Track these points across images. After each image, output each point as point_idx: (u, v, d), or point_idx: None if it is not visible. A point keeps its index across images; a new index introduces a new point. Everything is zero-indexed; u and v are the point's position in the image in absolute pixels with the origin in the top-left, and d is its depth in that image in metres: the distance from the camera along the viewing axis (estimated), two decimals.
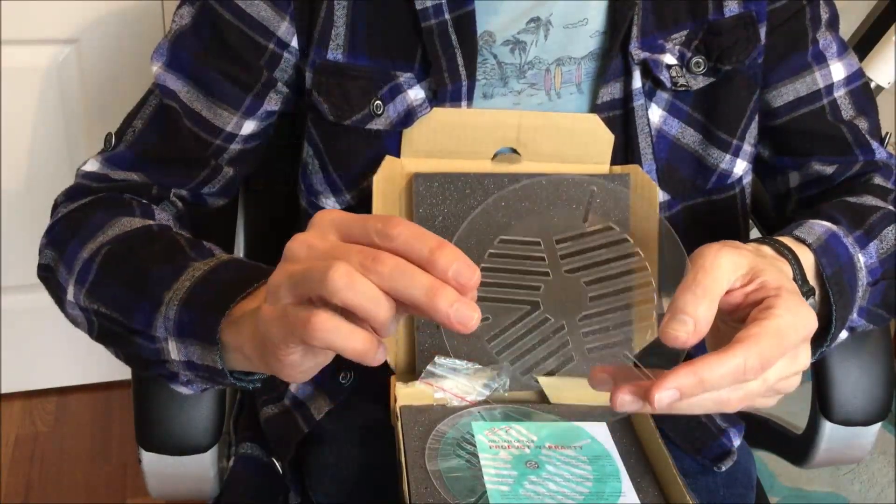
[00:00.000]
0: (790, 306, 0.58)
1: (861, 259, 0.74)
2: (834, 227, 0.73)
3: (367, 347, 0.50)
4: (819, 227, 0.73)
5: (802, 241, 0.71)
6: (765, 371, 0.56)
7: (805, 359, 0.59)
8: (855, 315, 0.75)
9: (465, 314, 0.48)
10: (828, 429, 0.88)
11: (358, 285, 0.48)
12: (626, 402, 0.56)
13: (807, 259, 0.69)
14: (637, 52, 0.77)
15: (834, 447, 0.89)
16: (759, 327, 0.56)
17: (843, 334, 0.75)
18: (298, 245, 0.52)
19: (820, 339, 0.71)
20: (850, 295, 0.72)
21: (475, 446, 0.71)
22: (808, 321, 0.58)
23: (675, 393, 0.54)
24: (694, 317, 0.56)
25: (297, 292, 0.51)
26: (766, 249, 0.67)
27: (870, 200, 0.79)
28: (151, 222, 0.75)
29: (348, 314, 0.50)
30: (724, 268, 0.58)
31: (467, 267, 0.49)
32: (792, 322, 0.57)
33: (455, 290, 0.48)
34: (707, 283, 0.57)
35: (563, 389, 0.76)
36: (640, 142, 0.78)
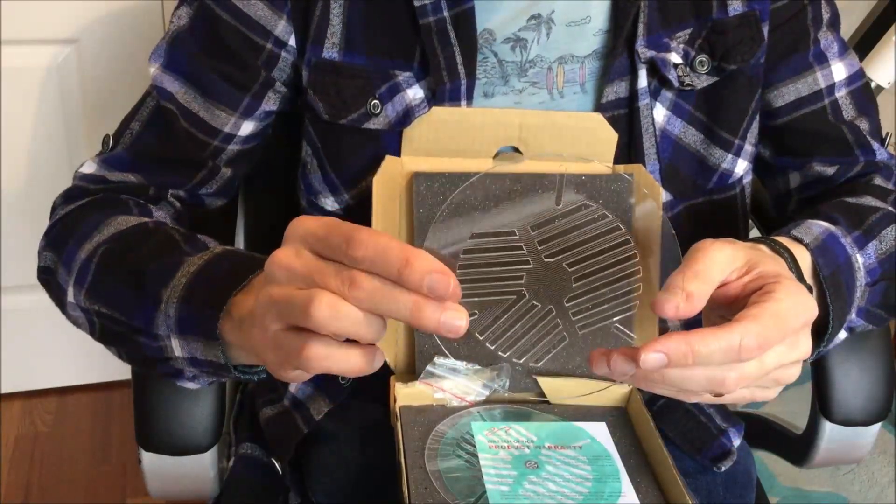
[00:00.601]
0: (790, 291, 0.57)
1: (860, 259, 0.73)
2: (832, 228, 0.73)
3: (364, 364, 0.51)
4: (817, 227, 0.73)
5: (799, 241, 0.71)
6: (762, 352, 0.55)
7: (805, 347, 0.58)
8: (854, 315, 0.75)
9: (452, 323, 0.49)
10: (828, 429, 0.88)
11: (342, 313, 0.49)
12: (620, 364, 0.55)
13: (804, 259, 0.69)
14: (644, 51, 0.76)
15: (834, 447, 0.89)
16: (759, 308, 0.56)
17: (842, 334, 0.75)
18: (276, 267, 0.52)
19: (818, 340, 0.71)
20: (848, 295, 0.72)
21: (475, 446, 0.70)
22: (808, 306, 0.58)
23: (663, 357, 0.54)
24: (686, 290, 0.56)
25: (285, 319, 0.51)
26: (763, 247, 0.67)
27: (869, 201, 0.79)
28: (147, 219, 0.75)
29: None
30: (720, 257, 0.58)
31: (441, 278, 0.48)
32: (792, 306, 0.57)
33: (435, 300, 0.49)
34: (700, 266, 0.57)
35: (563, 389, 0.76)
36: (645, 141, 0.78)
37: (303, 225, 0.52)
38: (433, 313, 0.48)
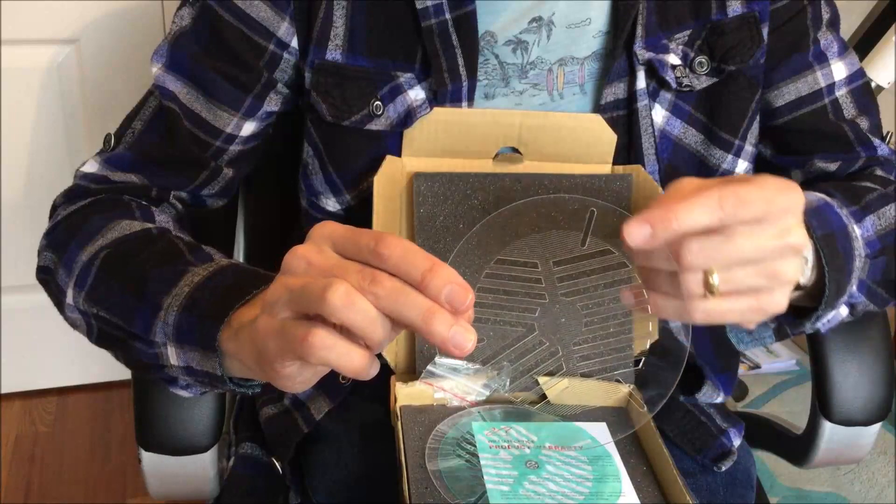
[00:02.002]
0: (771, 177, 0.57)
1: (857, 230, 0.73)
2: (827, 198, 0.73)
3: (363, 365, 0.51)
4: (812, 195, 0.72)
5: None
6: (743, 207, 0.54)
7: (798, 236, 0.57)
8: (854, 289, 0.74)
9: (460, 340, 0.49)
10: (828, 429, 0.88)
11: (356, 305, 0.49)
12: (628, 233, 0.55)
13: None
14: (642, 52, 0.77)
15: (834, 447, 0.89)
16: (737, 178, 0.55)
17: (844, 310, 0.75)
18: (297, 259, 0.52)
19: (815, 308, 0.70)
20: (847, 262, 0.70)
21: (475, 446, 0.71)
22: (792, 191, 0.57)
23: (646, 226, 0.54)
24: (649, 220, 0.55)
25: (294, 307, 0.51)
26: None
27: (868, 184, 0.79)
28: (151, 225, 0.75)
29: (344, 330, 0.50)
30: (688, 185, 0.57)
31: (460, 290, 0.49)
32: (774, 183, 0.56)
33: (450, 312, 0.49)
34: (668, 194, 0.57)
35: (564, 390, 0.76)
36: (644, 142, 0.78)
37: (329, 226, 0.52)
38: (444, 323, 0.48)
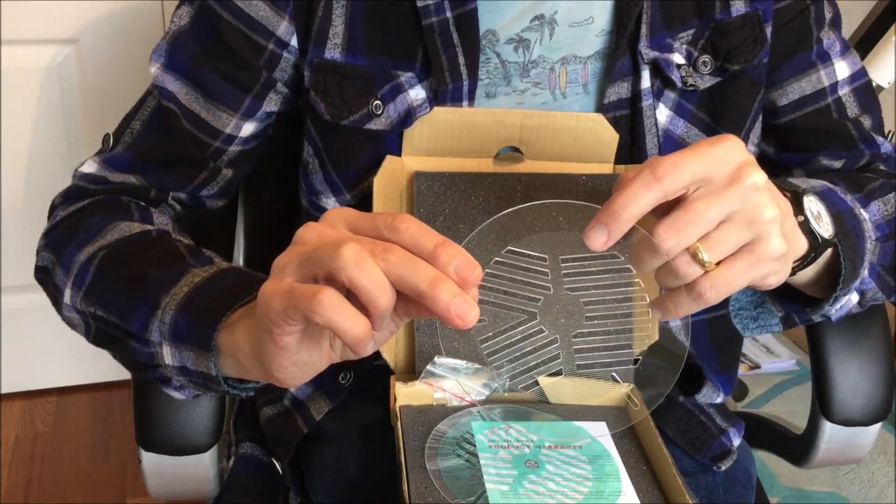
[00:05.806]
0: None
1: (864, 213, 0.73)
2: (831, 185, 0.73)
3: (364, 334, 0.50)
4: (816, 182, 0.72)
5: (797, 186, 0.69)
6: (677, 170, 0.55)
7: (754, 175, 0.57)
8: (866, 273, 0.74)
9: (463, 308, 0.49)
10: (828, 429, 0.88)
11: (366, 265, 0.49)
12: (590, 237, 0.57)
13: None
14: (647, 52, 0.76)
15: (834, 447, 0.89)
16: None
17: (854, 298, 0.75)
18: (310, 231, 0.52)
19: (832, 289, 0.70)
20: (858, 243, 0.70)
21: (475, 446, 0.71)
22: (723, 138, 0.57)
23: (600, 226, 0.55)
24: (601, 220, 0.56)
25: (303, 270, 0.51)
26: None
27: (870, 174, 0.80)
28: (150, 227, 0.75)
29: (351, 297, 0.50)
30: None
31: (469, 264, 0.50)
32: (705, 140, 0.57)
33: (457, 284, 0.49)
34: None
35: (564, 389, 0.76)
36: (647, 142, 0.78)
37: (345, 210, 0.53)
38: (449, 291, 0.49)
